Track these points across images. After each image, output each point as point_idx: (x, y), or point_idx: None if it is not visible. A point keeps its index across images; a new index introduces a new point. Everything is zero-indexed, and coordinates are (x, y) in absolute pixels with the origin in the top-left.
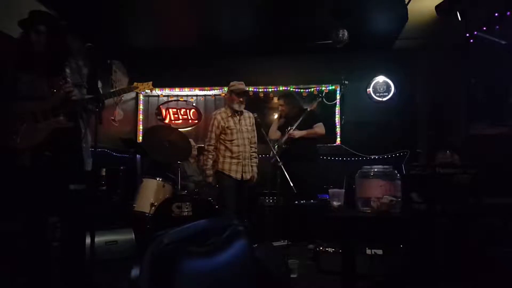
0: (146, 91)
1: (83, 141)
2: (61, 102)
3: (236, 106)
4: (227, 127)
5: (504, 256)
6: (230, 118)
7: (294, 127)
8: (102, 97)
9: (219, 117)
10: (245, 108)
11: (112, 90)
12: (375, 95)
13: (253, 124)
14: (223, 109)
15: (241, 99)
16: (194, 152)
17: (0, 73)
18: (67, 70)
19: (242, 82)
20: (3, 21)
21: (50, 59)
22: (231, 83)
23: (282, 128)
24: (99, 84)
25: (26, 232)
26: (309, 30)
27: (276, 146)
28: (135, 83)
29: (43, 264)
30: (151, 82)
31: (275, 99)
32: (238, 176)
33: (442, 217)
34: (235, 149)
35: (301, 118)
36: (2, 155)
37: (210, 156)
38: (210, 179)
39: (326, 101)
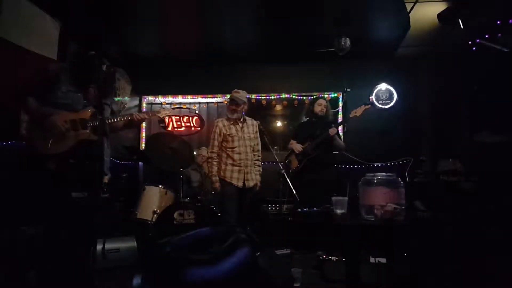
0: (149, 98)
1: (104, 154)
2: (91, 116)
3: (228, 114)
4: (229, 135)
5: (507, 264)
6: (232, 126)
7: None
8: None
9: (220, 124)
10: (247, 116)
11: (128, 114)
12: (378, 102)
13: (256, 131)
14: (225, 116)
15: (233, 107)
16: (203, 159)
17: (39, 83)
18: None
19: (239, 91)
20: (11, 32)
21: (97, 80)
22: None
23: (301, 138)
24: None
25: (44, 234)
26: (312, 38)
27: (295, 156)
28: (159, 110)
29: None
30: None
31: (320, 101)
32: (240, 183)
33: (446, 225)
34: (236, 156)
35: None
36: (30, 158)
37: (215, 163)
38: (217, 185)
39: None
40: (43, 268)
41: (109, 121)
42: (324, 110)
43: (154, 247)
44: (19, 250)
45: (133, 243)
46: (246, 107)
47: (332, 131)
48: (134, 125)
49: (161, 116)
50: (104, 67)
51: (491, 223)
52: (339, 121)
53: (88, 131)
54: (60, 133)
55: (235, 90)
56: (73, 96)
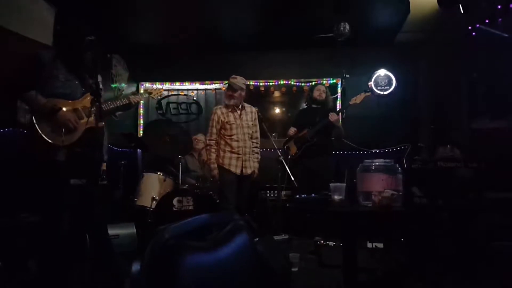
0: (147, 84)
1: (104, 140)
2: (91, 103)
3: (226, 100)
4: (227, 122)
5: (504, 250)
6: (230, 113)
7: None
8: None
9: (219, 112)
10: (245, 102)
11: (123, 97)
12: (377, 88)
13: (255, 119)
14: (224, 104)
15: (229, 93)
16: (197, 143)
17: (36, 72)
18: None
19: (236, 77)
20: (5, 17)
21: (88, 64)
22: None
23: (301, 124)
24: (99, 79)
25: (52, 222)
26: (310, 24)
27: (291, 142)
28: (149, 89)
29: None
30: (162, 88)
31: (319, 87)
32: (238, 171)
33: (443, 211)
34: (234, 144)
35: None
36: (41, 150)
37: (213, 151)
38: (215, 172)
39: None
40: (46, 255)
41: (110, 106)
42: (323, 95)
43: (153, 234)
44: (19, 238)
45: (133, 230)
46: (243, 93)
47: (332, 116)
48: (130, 107)
49: (154, 97)
50: (91, 52)
51: (488, 210)
52: (338, 107)
53: (92, 118)
54: (73, 126)
55: (233, 76)
56: (71, 84)
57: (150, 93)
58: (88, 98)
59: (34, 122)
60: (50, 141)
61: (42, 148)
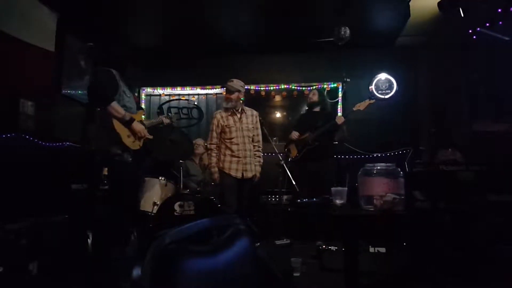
0: (148, 89)
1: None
2: (144, 117)
3: (224, 104)
4: (226, 126)
5: (507, 253)
6: (230, 117)
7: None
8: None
9: (218, 116)
10: (247, 106)
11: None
12: (377, 92)
13: (256, 122)
14: (223, 108)
15: (227, 96)
16: (200, 150)
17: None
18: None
19: (233, 79)
20: (8, 23)
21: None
22: None
23: (302, 128)
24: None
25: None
26: (311, 28)
27: (295, 146)
28: (171, 117)
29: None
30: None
31: (313, 91)
32: (239, 174)
33: (445, 215)
34: (234, 147)
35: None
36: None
37: (213, 154)
38: (216, 176)
39: (328, 99)
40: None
41: (150, 125)
42: (314, 97)
43: (153, 239)
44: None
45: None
46: (241, 96)
47: (339, 119)
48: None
49: (174, 120)
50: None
51: (490, 212)
52: (339, 111)
53: (147, 131)
54: (143, 135)
55: (230, 79)
56: (133, 100)
57: (172, 118)
58: (141, 113)
59: (115, 128)
60: (128, 145)
61: (122, 148)
